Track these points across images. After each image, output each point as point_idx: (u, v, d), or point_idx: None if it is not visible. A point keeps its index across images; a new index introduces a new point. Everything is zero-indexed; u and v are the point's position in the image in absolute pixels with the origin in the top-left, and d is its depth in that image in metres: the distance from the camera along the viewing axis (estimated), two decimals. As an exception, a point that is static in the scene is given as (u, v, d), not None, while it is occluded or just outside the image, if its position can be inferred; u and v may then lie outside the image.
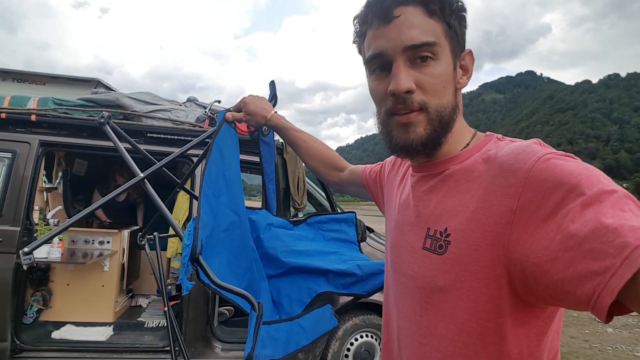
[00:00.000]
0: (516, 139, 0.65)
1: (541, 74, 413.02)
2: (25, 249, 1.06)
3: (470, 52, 0.68)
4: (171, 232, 3.16)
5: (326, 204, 3.30)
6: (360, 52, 0.72)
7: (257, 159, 3.05)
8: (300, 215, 2.91)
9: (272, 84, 1.34)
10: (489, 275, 0.55)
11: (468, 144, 0.68)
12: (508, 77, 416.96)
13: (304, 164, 2.92)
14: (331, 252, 1.33)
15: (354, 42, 0.72)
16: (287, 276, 1.24)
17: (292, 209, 2.77)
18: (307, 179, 3.03)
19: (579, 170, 0.49)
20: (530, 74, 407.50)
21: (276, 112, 1.16)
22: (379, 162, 1.01)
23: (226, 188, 1.01)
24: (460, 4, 0.65)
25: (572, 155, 0.54)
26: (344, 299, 1.40)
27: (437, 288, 0.62)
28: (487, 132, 0.70)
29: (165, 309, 1.64)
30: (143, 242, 1.46)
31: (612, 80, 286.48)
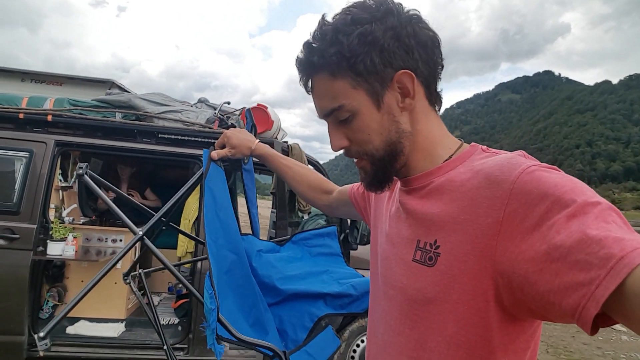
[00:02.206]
0: (501, 150, 0.66)
1: (559, 74, 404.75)
2: (41, 334, 1.09)
3: (405, 73, 0.64)
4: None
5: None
6: None
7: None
8: (306, 217, 2.92)
9: (249, 113, 1.40)
10: (477, 288, 0.56)
11: (451, 156, 0.68)
12: (525, 77, 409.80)
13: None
14: (321, 271, 1.40)
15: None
16: (287, 302, 1.28)
17: (298, 211, 2.78)
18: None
19: (563, 182, 0.50)
20: (548, 74, 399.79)
21: (259, 141, 1.19)
22: None
23: (222, 229, 1.04)
24: (371, 37, 0.62)
25: (556, 167, 0.55)
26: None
27: (427, 300, 0.62)
28: (472, 143, 0.70)
29: (148, 309, 1.59)
30: (128, 280, 1.43)
31: (633, 81, 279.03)
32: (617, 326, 5.43)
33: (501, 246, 0.53)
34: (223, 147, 1.19)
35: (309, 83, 0.71)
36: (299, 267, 1.39)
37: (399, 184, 0.78)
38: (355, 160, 0.73)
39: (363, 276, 1.42)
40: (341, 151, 0.74)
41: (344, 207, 1.10)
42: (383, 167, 0.70)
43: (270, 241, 1.53)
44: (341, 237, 3.18)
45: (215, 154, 1.16)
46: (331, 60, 0.65)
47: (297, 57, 0.70)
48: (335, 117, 0.69)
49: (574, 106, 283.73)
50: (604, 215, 0.45)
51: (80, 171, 1.23)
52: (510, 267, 0.51)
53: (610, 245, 0.41)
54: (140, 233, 1.22)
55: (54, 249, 2.64)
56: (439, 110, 0.73)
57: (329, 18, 0.67)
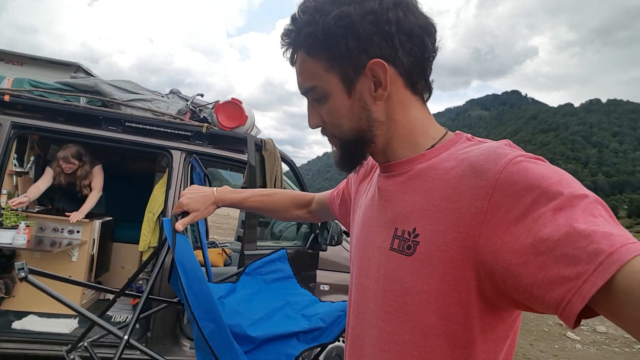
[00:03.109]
0: (486, 139, 0.64)
1: (526, 94, 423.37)
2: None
3: (377, 62, 0.61)
4: (144, 225, 3.11)
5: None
6: None
7: (237, 155, 3.00)
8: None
9: (195, 160, 1.41)
10: (458, 277, 0.54)
11: (435, 144, 0.66)
12: (494, 95, 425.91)
13: (283, 174, 2.90)
14: (282, 304, 1.48)
15: None
16: (261, 347, 1.32)
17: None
18: (284, 178, 3.01)
19: (550, 174, 0.49)
20: (515, 93, 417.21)
21: (216, 189, 1.12)
22: (346, 179, 0.99)
23: (197, 301, 1.03)
24: (348, 20, 0.59)
25: (542, 158, 0.53)
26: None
27: (405, 290, 0.60)
28: (457, 132, 0.69)
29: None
30: (72, 357, 1.34)
31: (593, 105, 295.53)
32: (572, 335, 5.66)
33: (484, 236, 0.51)
34: (184, 215, 1.09)
35: (291, 58, 0.69)
36: (261, 306, 1.44)
37: (377, 170, 0.75)
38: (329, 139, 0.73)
39: (319, 300, 1.55)
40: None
41: (325, 213, 1.10)
42: (350, 151, 0.70)
43: (225, 279, 1.59)
44: (311, 238, 3.15)
45: (179, 225, 1.06)
46: (306, 40, 0.63)
47: (283, 28, 0.68)
48: (311, 95, 0.69)
49: (538, 125, 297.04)
50: (591, 208, 0.45)
51: (23, 274, 1.05)
52: (493, 258, 0.50)
53: (599, 241, 0.40)
54: (126, 337, 1.11)
55: (4, 237, 2.48)
56: (428, 99, 0.69)
57: None
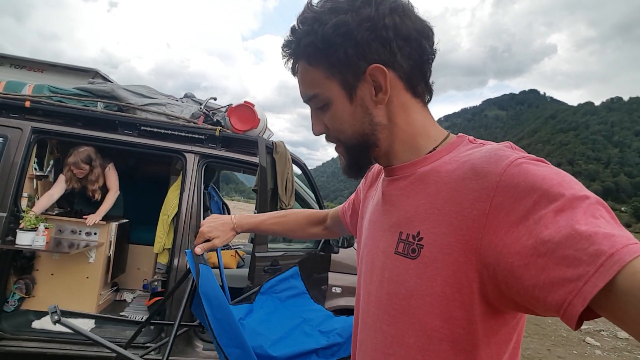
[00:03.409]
0: (488, 141, 0.64)
1: (544, 93, 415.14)
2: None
3: (376, 67, 0.62)
4: (158, 227, 3.16)
5: (315, 205, 3.29)
6: None
7: (249, 158, 3.03)
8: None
9: (213, 189, 1.45)
10: (462, 280, 0.54)
11: (436, 147, 0.67)
12: (512, 95, 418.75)
13: (294, 175, 2.91)
14: (299, 322, 1.55)
15: None
16: None
17: (280, 209, 2.77)
18: (296, 179, 3.02)
19: (551, 175, 0.49)
20: (533, 92, 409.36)
21: (234, 215, 1.17)
22: (356, 191, 1.01)
23: (222, 329, 1.08)
24: (345, 28, 0.61)
25: (544, 159, 0.54)
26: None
27: (409, 294, 0.60)
28: (459, 134, 0.69)
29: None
30: None
31: (614, 104, 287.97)
32: (591, 340, 5.52)
33: (486, 239, 0.51)
34: (204, 242, 1.14)
35: (293, 68, 0.71)
36: (279, 325, 1.51)
37: (382, 174, 0.76)
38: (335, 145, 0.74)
39: (333, 314, 1.63)
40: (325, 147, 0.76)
41: (340, 227, 1.12)
42: (356, 155, 0.71)
43: (241, 300, 1.69)
44: (322, 240, 3.15)
45: (199, 248, 1.12)
46: (306, 50, 0.65)
47: (283, 40, 0.70)
48: (314, 103, 0.70)
49: (557, 125, 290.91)
50: (593, 209, 0.45)
51: (56, 317, 1.18)
52: (495, 260, 0.50)
53: (600, 242, 0.40)
54: None
55: (23, 239, 2.55)
56: (429, 101, 0.70)
57: (315, 1, 0.66)
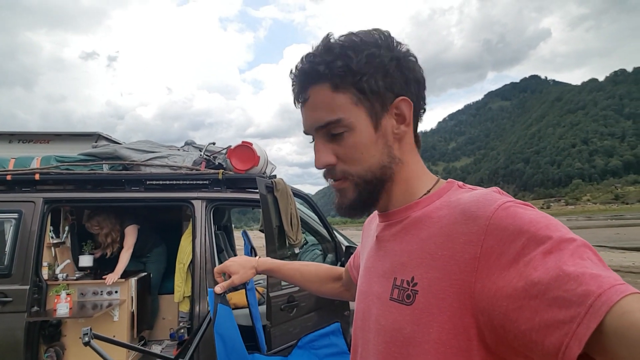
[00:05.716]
0: (477, 187, 0.66)
1: (546, 77, 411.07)
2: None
3: (404, 100, 0.66)
4: (176, 276, 3.20)
5: (324, 231, 3.30)
6: None
7: (255, 196, 3.05)
8: (297, 250, 2.90)
9: (245, 234, 1.46)
10: (458, 326, 0.54)
11: (429, 191, 0.68)
12: (513, 84, 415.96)
13: (298, 209, 2.94)
14: None
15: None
16: None
17: (289, 246, 2.78)
18: (301, 210, 3.04)
19: (538, 218, 0.50)
20: (534, 78, 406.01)
21: (260, 256, 1.20)
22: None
23: None
24: (378, 60, 0.64)
25: (530, 204, 0.55)
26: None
27: (406, 341, 0.60)
28: (449, 179, 0.71)
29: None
30: None
31: (619, 76, 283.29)
32: None
33: (479, 283, 0.52)
34: (223, 276, 1.18)
35: (303, 94, 0.68)
36: None
37: (377, 219, 0.76)
38: (334, 181, 0.70)
39: None
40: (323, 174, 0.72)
41: (351, 283, 1.06)
42: (368, 190, 0.68)
43: (276, 352, 1.60)
44: (338, 265, 3.14)
45: (218, 287, 1.14)
46: (337, 72, 0.64)
47: (297, 66, 0.68)
48: (328, 130, 0.67)
49: (565, 106, 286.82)
50: (580, 252, 0.46)
51: (87, 339, 1.23)
52: (489, 305, 0.50)
53: (588, 282, 0.41)
54: None
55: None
56: (419, 150, 0.73)
57: (336, 36, 0.68)
